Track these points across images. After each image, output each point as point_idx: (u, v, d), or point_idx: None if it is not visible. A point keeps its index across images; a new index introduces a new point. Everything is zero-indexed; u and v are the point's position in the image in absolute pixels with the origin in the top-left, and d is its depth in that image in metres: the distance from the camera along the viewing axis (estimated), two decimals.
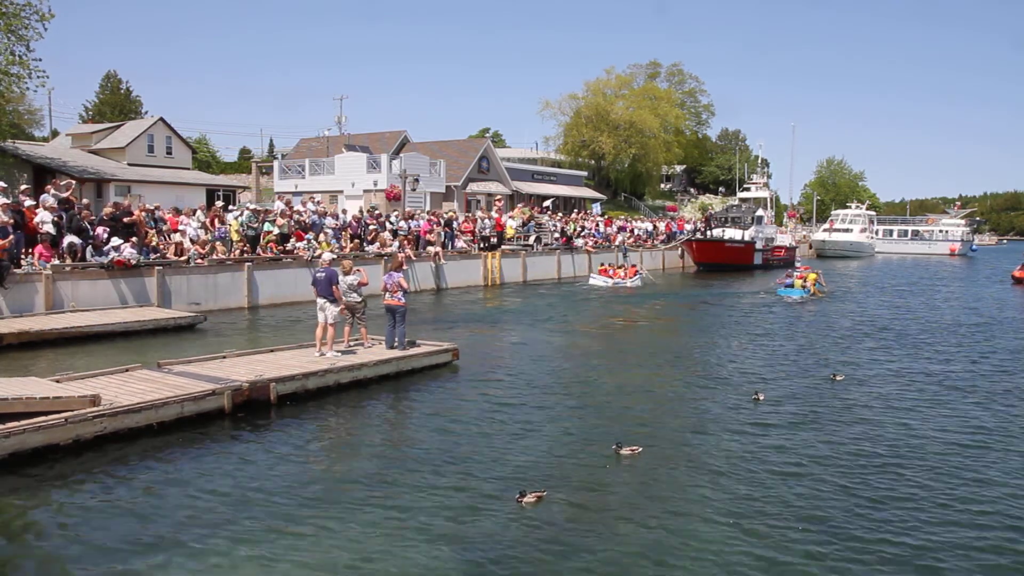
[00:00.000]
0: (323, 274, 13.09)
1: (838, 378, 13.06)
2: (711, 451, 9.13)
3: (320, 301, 13.12)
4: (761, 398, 11.36)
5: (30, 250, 18.68)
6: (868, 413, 10.99)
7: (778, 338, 18.47)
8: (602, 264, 35.88)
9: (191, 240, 22.12)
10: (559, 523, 6.98)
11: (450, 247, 30.55)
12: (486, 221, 33.65)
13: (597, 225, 42.97)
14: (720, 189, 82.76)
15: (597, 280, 33.22)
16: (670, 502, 7.52)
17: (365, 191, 40.24)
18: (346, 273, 13.56)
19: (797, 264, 34.88)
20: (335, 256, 14.52)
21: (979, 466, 8.73)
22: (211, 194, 36.70)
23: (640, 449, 8.84)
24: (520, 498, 7.29)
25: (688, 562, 6.32)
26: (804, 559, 6.39)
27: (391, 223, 29.12)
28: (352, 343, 13.93)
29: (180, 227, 22.53)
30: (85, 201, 22.80)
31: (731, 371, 14.07)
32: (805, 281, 29.36)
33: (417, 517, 7.13)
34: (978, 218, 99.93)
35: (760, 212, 50.36)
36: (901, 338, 18.55)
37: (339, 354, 13.00)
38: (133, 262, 19.48)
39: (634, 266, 35.63)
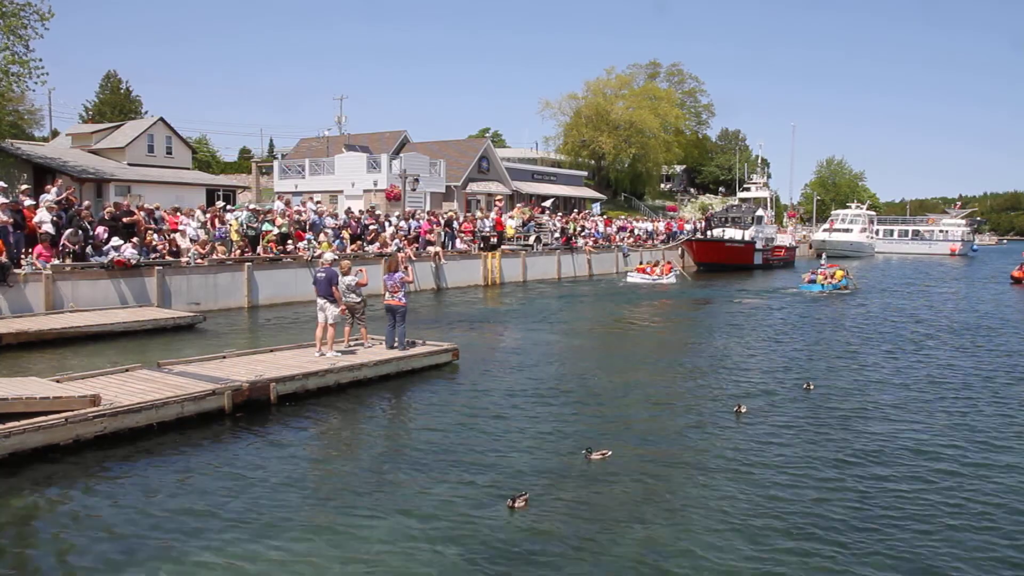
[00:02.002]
0: (323, 274, 13.08)
1: (811, 387, 12.52)
2: (683, 457, 8.90)
3: (320, 301, 13.10)
4: (743, 410, 10.85)
5: (30, 250, 18.69)
6: (857, 425, 10.44)
7: (778, 341, 18.38)
8: (640, 262, 37.87)
9: (191, 240, 22.13)
10: (550, 526, 6.97)
11: (450, 247, 30.55)
12: (486, 221, 33.65)
13: (597, 225, 42.97)
14: (720, 189, 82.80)
15: (635, 278, 34.44)
16: (640, 506, 7.45)
17: (365, 191, 40.23)
18: (345, 273, 13.56)
19: (822, 262, 35.77)
20: (336, 256, 14.56)
21: (970, 480, 8.47)
22: (211, 194, 36.69)
23: (609, 453, 8.78)
24: (512, 504, 7.26)
25: (666, 564, 6.31)
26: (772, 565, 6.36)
27: (391, 223, 29.13)
28: (352, 343, 13.93)
29: (180, 227, 22.55)
30: (86, 202, 22.75)
31: (722, 377, 13.64)
32: (827, 278, 30.70)
33: (415, 518, 7.12)
34: (978, 218, 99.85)
35: (760, 212, 50.38)
36: (898, 341, 18.36)
37: (339, 354, 13.01)
38: (133, 262, 19.48)
39: (669, 263, 37.14)
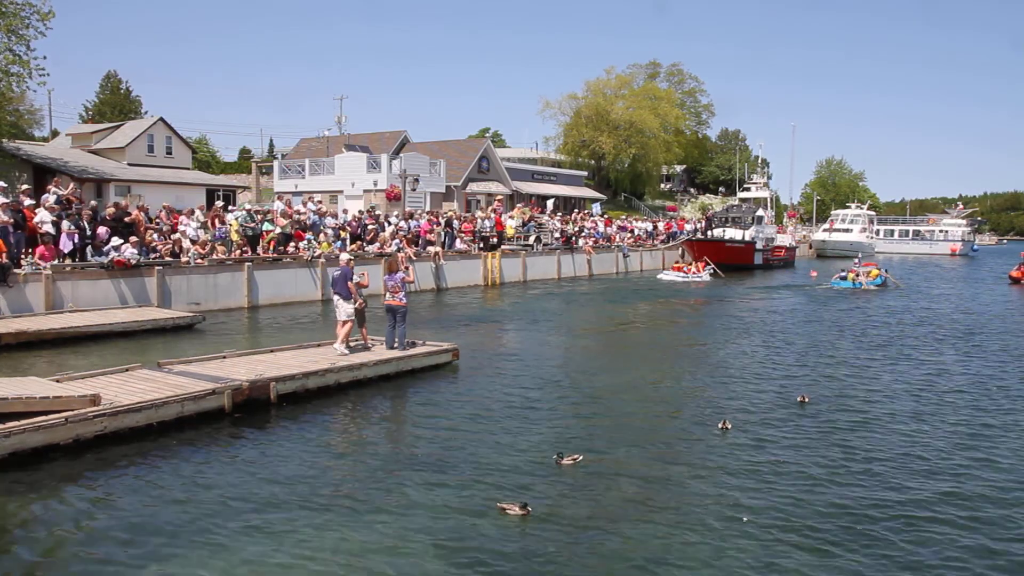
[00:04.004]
0: (339, 272, 13.48)
1: (806, 400, 11.68)
2: (661, 473, 8.46)
3: (335, 298, 13.49)
4: (729, 426, 10.13)
5: (30, 250, 18.68)
6: (852, 443, 9.66)
7: (780, 346, 17.95)
8: (676, 261, 39.71)
9: (191, 240, 22.12)
10: (544, 527, 6.98)
11: (450, 247, 30.50)
12: (486, 221, 33.65)
13: (597, 225, 42.96)
14: (720, 189, 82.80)
15: (670, 275, 36.11)
16: (611, 510, 7.37)
17: (365, 191, 40.22)
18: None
19: (856, 260, 37.60)
20: (352, 256, 14.89)
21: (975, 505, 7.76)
22: (211, 194, 36.64)
23: (580, 457, 8.65)
24: (525, 510, 7.13)
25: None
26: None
27: (391, 223, 29.11)
28: (352, 343, 13.96)
29: (180, 227, 22.55)
30: (93, 203, 22.62)
31: (715, 387, 12.94)
32: (858, 276, 33.37)
33: (414, 518, 7.13)
34: (979, 218, 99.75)
35: (760, 212, 50.38)
36: (902, 346, 18.05)
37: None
38: (133, 262, 19.48)
39: (703, 262, 38.14)
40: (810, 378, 13.82)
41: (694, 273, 36.28)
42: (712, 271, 37.90)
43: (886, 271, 35.64)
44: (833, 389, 12.88)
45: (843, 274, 34.18)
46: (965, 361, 15.75)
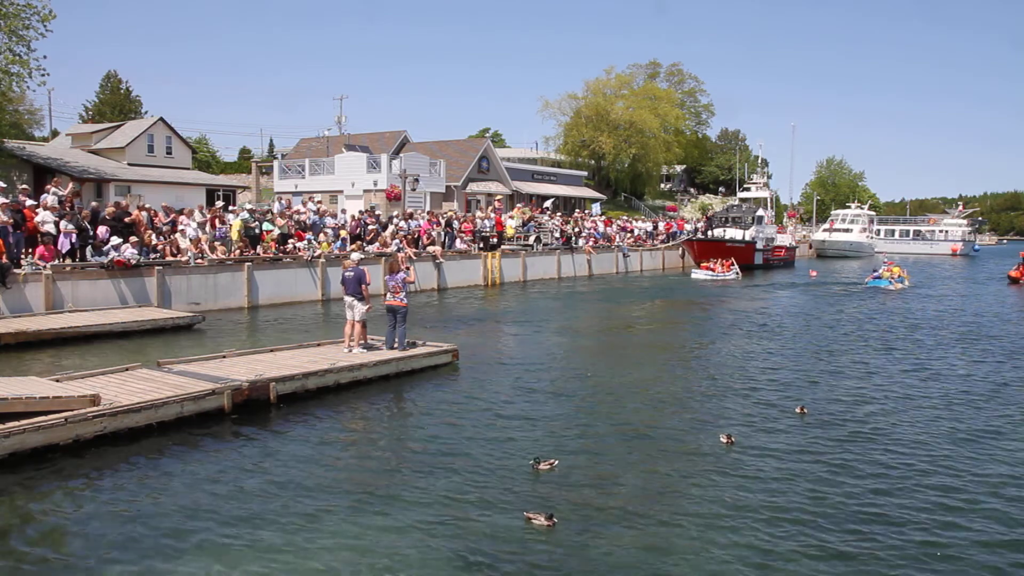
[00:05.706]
0: (352, 273, 13.54)
1: (804, 411, 11.15)
2: (650, 484, 8.14)
3: (348, 299, 13.57)
4: (732, 441, 9.56)
5: (30, 250, 18.68)
6: (852, 460, 9.08)
7: (782, 351, 17.66)
8: (703, 261, 40.73)
9: (191, 240, 22.11)
10: (544, 529, 6.98)
11: (450, 247, 30.49)
12: (486, 221, 33.64)
13: (597, 225, 42.95)
14: (720, 189, 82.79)
15: (700, 274, 37.76)
16: (607, 517, 7.29)
17: (365, 191, 40.24)
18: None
19: (884, 260, 39.07)
20: (363, 256, 14.94)
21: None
22: (211, 194, 36.70)
23: (556, 462, 8.56)
24: (551, 521, 6.96)
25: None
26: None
27: (393, 223, 29.10)
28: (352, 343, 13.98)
29: (180, 227, 22.54)
30: (93, 203, 22.60)
31: (718, 390, 12.64)
32: (891, 273, 34.71)
33: (414, 519, 7.12)
34: (979, 218, 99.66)
35: (760, 212, 50.37)
36: (907, 349, 17.87)
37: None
38: (133, 262, 19.48)
39: (730, 261, 39.51)
40: (810, 384, 13.44)
41: (721, 272, 37.75)
42: (737, 271, 39.07)
43: (904, 270, 36.64)
44: (833, 396, 12.53)
45: (877, 273, 35.25)
46: (967, 365, 15.56)
